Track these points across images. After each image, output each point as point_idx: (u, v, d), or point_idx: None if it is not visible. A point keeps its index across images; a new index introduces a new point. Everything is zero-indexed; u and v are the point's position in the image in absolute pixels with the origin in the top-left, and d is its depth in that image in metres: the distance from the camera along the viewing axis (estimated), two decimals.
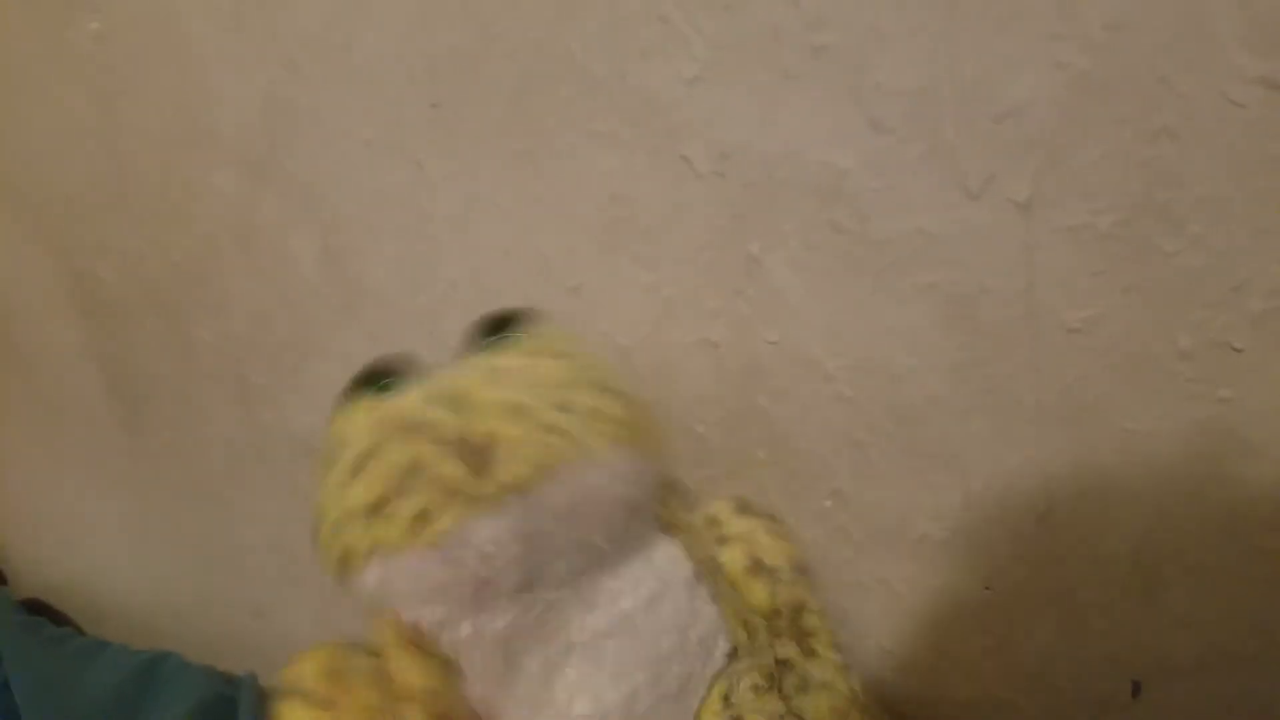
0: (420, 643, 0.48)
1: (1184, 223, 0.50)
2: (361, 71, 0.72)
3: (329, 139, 0.76)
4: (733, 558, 0.56)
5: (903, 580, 0.64)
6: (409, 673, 0.49)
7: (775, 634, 0.54)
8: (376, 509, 0.43)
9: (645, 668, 0.48)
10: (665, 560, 0.51)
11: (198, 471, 1.01)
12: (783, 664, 0.53)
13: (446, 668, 0.48)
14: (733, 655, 0.51)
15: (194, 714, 0.87)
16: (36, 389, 1.13)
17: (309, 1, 0.73)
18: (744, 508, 0.60)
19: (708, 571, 0.52)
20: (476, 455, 0.43)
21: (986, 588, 0.61)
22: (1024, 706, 0.63)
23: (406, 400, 0.45)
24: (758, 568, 0.56)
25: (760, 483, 0.65)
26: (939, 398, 0.59)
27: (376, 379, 0.47)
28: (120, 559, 1.15)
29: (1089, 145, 0.51)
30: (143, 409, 1.02)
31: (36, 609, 1.17)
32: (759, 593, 0.55)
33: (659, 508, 0.52)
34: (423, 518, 0.42)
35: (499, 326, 0.50)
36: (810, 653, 0.55)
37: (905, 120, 0.55)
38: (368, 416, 0.45)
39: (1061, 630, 0.60)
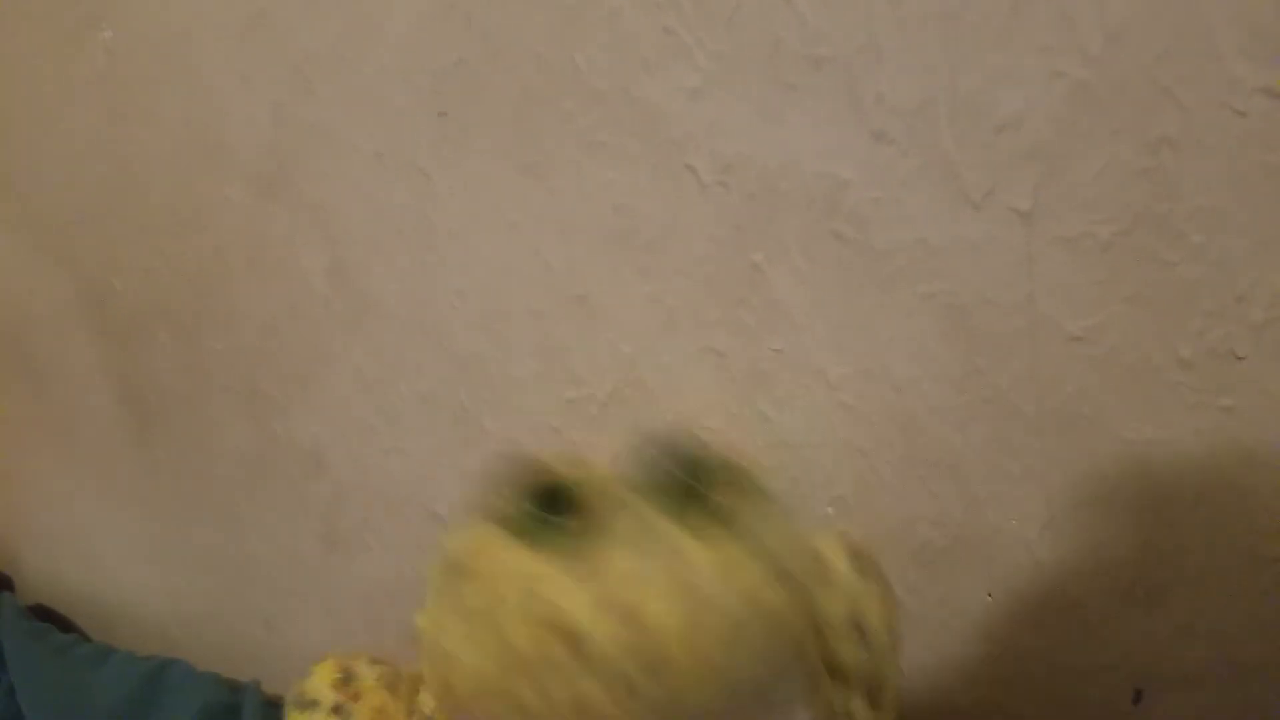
0: None
1: (1185, 232, 0.51)
2: (369, 86, 0.73)
3: (337, 153, 0.77)
4: (833, 608, 0.52)
5: (904, 588, 0.64)
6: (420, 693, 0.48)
7: (848, 687, 0.52)
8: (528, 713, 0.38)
9: None
10: None
11: (208, 482, 1.01)
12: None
13: None
14: None
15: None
16: (49, 400, 1.13)
17: (317, 17, 0.74)
18: (854, 553, 0.55)
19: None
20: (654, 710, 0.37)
21: (988, 595, 0.61)
22: (1025, 714, 0.63)
23: (583, 610, 0.38)
24: (856, 628, 0.53)
25: None
26: (941, 407, 0.59)
27: (541, 502, 0.40)
28: (131, 568, 1.16)
29: (1089, 156, 0.51)
30: (154, 420, 1.03)
31: (43, 615, 1.18)
32: (850, 651, 0.52)
33: None
34: None
35: (691, 471, 0.42)
36: (877, 706, 0.53)
37: (906, 132, 0.55)
38: (529, 598, 0.38)
39: (1063, 638, 0.60)
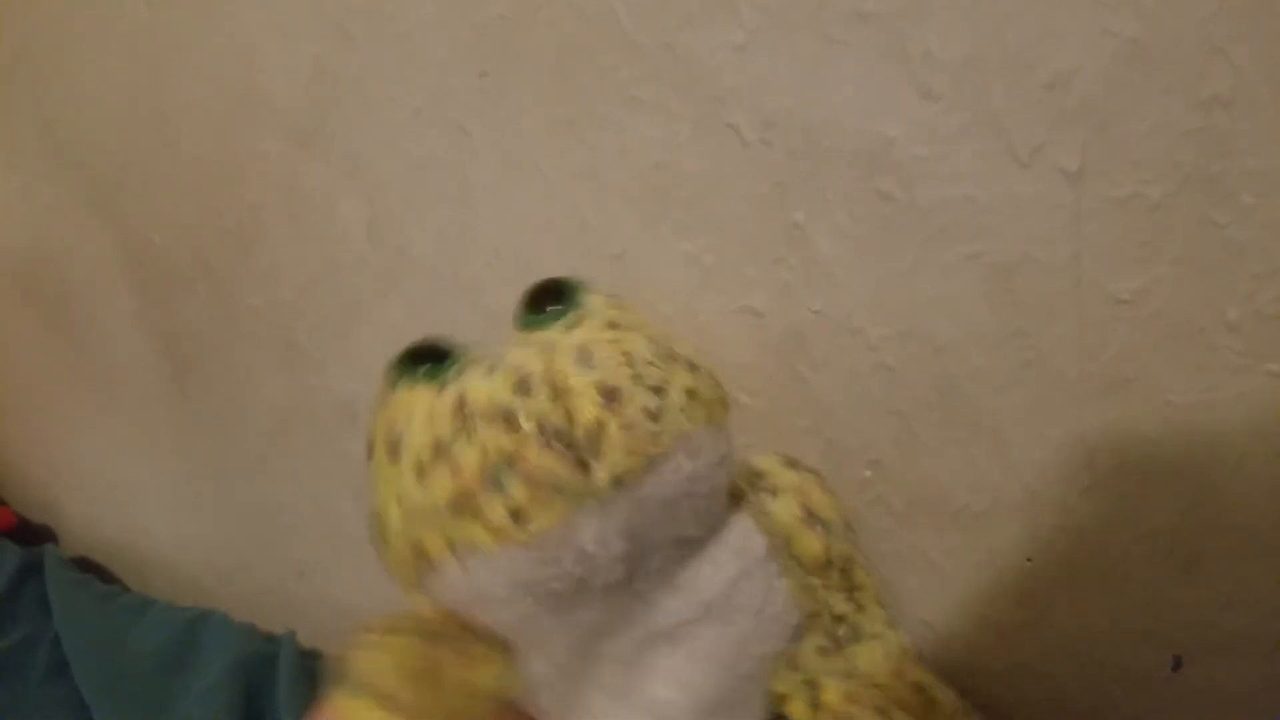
0: (477, 632, 0.45)
1: (1235, 193, 0.50)
2: (409, 39, 0.73)
3: (377, 107, 0.77)
4: (786, 508, 0.51)
5: (942, 551, 0.63)
6: (469, 671, 0.46)
7: (827, 587, 0.52)
8: (462, 504, 0.39)
9: (727, 650, 0.46)
10: (740, 538, 0.48)
11: (244, 435, 1.02)
12: (837, 619, 0.51)
13: (506, 659, 0.46)
14: (801, 625, 0.49)
15: (235, 669, 0.89)
16: (90, 354, 1.14)
17: None
18: (791, 462, 0.58)
19: (776, 544, 0.50)
20: (577, 446, 0.38)
21: (1027, 560, 0.61)
22: (1063, 679, 0.63)
23: (486, 384, 0.40)
24: (811, 519, 0.52)
25: (800, 452, 0.65)
26: (981, 369, 0.59)
27: (427, 358, 0.43)
28: (168, 520, 1.17)
29: (1139, 114, 0.51)
30: (192, 373, 1.04)
31: (86, 567, 1.20)
32: (813, 544, 0.51)
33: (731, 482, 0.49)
34: (519, 515, 0.38)
35: (551, 297, 0.45)
36: (860, 607, 0.53)
37: (953, 88, 0.54)
38: (439, 402, 0.41)
39: (1102, 603, 0.60)
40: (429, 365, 0.43)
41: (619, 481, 0.39)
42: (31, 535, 1.27)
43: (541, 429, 0.38)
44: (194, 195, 0.94)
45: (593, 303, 0.45)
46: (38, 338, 1.20)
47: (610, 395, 0.39)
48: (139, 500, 1.20)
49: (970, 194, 0.55)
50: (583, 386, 0.39)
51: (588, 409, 0.39)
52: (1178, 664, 0.59)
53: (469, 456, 0.39)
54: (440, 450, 0.39)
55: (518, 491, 0.38)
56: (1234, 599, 0.56)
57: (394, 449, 0.41)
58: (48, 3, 0.97)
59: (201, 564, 1.16)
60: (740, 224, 0.63)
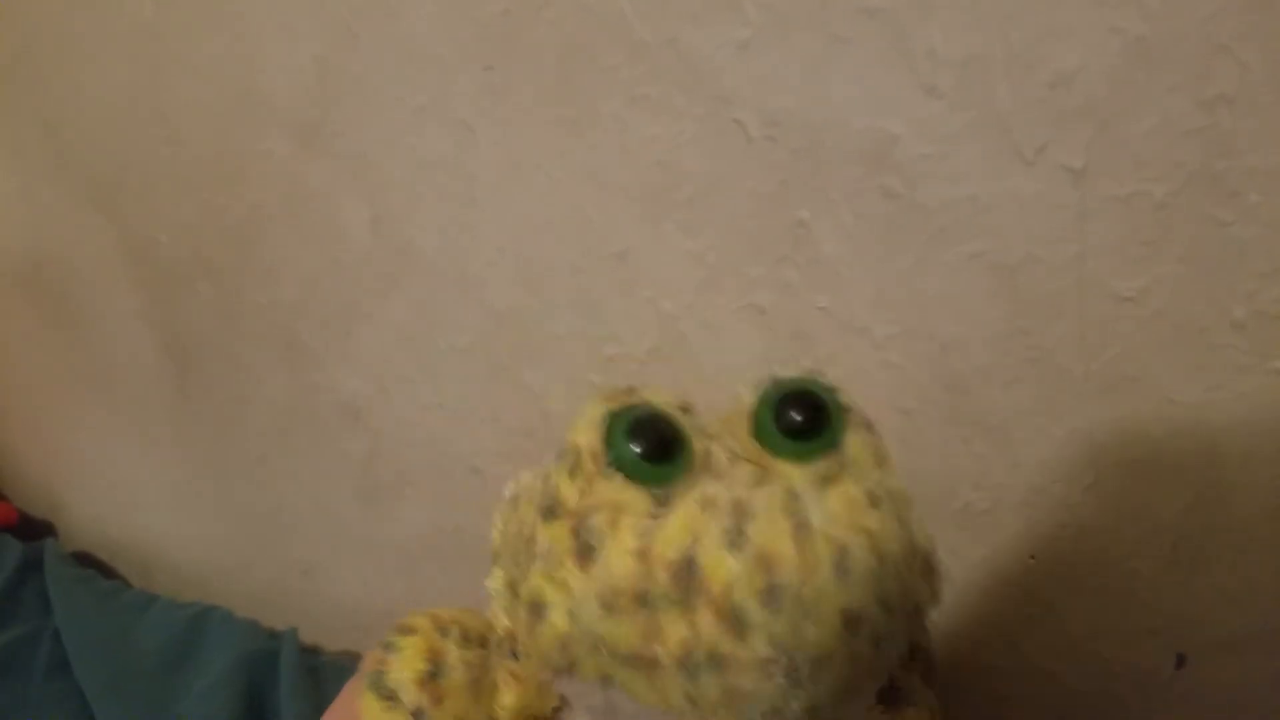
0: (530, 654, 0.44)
1: (1240, 191, 0.50)
2: (411, 37, 0.73)
3: (380, 105, 0.77)
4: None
5: (945, 549, 0.63)
6: (495, 686, 0.44)
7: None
8: (643, 664, 0.35)
9: None
10: None
11: (246, 433, 1.02)
12: (893, 688, 0.48)
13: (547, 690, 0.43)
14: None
15: (237, 666, 0.89)
16: (92, 351, 1.14)
17: None
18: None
19: None
20: (797, 675, 0.34)
21: (1030, 557, 0.61)
22: (1066, 677, 0.63)
23: (725, 562, 0.34)
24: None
25: None
26: (986, 367, 0.59)
27: (646, 435, 0.37)
28: (170, 517, 1.17)
29: (1144, 113, 0.51)
30: (194, 371, 1.04)
31: (86, 562, 1.20)
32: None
33: None
34: (697, 703, 0.35)
35: (802, 411, 0.39)
36: (909, 670, 0.51)
37: (956, 86, 0.54)
38: (659, 535, 0.35)
39: (1106, 601, 0.60)
40: (650, 460, 0.37)
41: (811, 710, 0.35)
42: (32, 530, 1.27)
43: (772, 655, 0.34)
44: (196, 194, 0.93)
45: (854, 452, 0.39)
46: (39, 336, 1.20)
47: (854, 625, 0.35)
48: (140, 498, 1.19)
49: (974, 193, 0.55)
50: (830, 612, 0.34)
51: (826, 638, 0.34)
52: (1181, 662, 0.59)
53: (676, 633, 0.34)
54: (644, 602, 0.35)
55: (710, 690, 0.34)
56: (1237, 597, 0.56)
57: (585, 552, 0.36)
58: (48, 3, 0.97)
59: (203, 562, 1.15)
60: (744, 222, 0.63)
